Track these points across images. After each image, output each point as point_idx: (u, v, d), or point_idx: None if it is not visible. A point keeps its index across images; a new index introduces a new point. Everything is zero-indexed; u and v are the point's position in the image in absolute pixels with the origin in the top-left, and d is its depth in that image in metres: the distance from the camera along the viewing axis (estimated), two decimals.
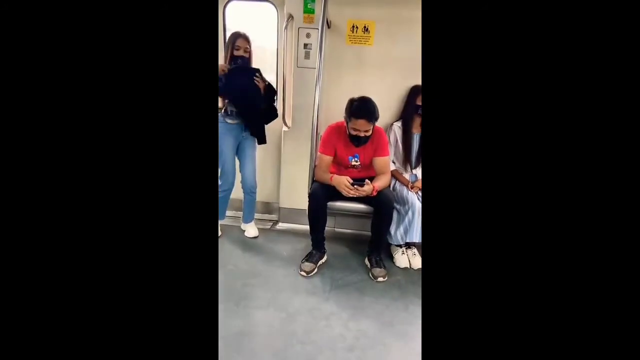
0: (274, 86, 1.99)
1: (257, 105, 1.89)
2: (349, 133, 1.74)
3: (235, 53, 1.82)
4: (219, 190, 1.96)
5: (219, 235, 2.10)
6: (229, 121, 1.90)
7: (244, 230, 2.15)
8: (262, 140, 1.98)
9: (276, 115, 2.00)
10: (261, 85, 1.85)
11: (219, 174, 1.94)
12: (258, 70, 1.86)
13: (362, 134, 1.71)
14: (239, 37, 1.82)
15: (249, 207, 2.11)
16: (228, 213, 2.22)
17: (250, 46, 1.85)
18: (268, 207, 2.41)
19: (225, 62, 1.83)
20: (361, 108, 1.69)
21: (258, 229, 2.15)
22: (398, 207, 1.88)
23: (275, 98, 1.99)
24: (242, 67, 1.83)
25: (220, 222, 2.13)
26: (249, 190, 2.06)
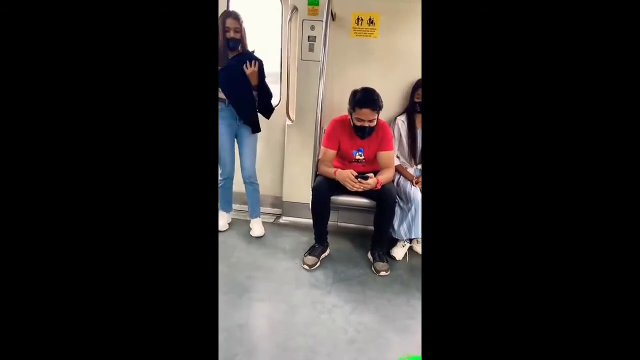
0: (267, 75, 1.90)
1: (247, 93, 1.84)
2: (354, 124, 1.73)
3: (227, 35, 1.78)
4: (218, 179, 1.94)
5: (226, 228, 2.10)
6: (223, 108, 1.85)
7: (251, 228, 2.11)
8: (255, 128, 1.92)
9: (271, 108, 1.94)
10: (249, 71, 1.79)
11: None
12: (251, 54, 1.80)
13: (366, 124, 1.70)
14: (227, 17, 1.77)
15: (251, 199, 2.06)
16: (236, 207, 2.21)
17: (241, 25, 1.79)
18: (271, 201, 2.42)
19: (220, 45, 1.78)
20: (365, 97, 1.69)
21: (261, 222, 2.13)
22: (401, 203, 1.87)
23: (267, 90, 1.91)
24: (238, 56, 1.80)
25: (229, 215, 2.12)
26: (248, 180, 2.02)
